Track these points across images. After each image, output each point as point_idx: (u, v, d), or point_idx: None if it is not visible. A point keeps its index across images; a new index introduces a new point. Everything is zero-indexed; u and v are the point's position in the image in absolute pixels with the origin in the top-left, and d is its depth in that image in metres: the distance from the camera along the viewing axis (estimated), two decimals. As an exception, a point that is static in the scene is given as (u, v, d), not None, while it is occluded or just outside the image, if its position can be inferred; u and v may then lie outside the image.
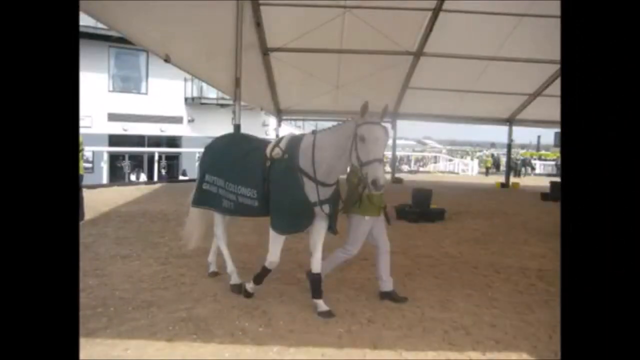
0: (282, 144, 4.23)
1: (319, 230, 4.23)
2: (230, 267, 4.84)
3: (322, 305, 4.18)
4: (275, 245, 4.23)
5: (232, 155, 4.52)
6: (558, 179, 17.75)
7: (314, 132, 4.21)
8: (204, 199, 4.73)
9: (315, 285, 4.25)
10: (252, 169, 4.29)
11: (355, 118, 3.82)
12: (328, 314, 4.09)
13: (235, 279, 4.74)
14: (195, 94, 23.65)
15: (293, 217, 4.10)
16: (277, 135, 15.13)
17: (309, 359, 3.30)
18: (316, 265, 4.25)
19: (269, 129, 24.46)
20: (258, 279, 4.44)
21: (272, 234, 4.20)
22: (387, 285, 4.56)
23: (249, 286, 4.47)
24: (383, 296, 4.55)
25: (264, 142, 4.57)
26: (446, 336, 3.76)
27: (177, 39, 8.31)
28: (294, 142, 4.20)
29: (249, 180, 4.28)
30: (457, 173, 31.40)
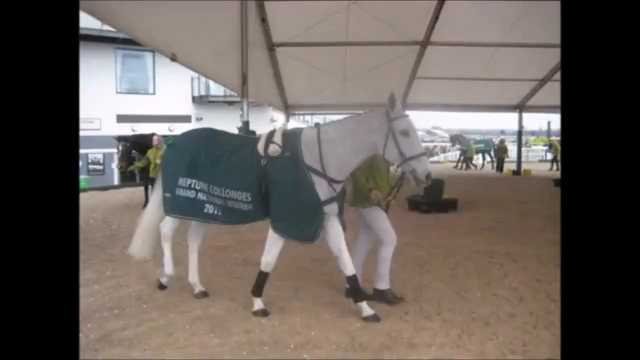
0: (277, 140, 3.83)
1: (336, 231, 3.90)
2: (192, 276, 4.47)
3: (366, 309, 3.85)
4: (273, 247, 3.89)
5: (211, 154, 4.02)
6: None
7: (317, 125, 3.96)
8: (180, 207, 4.16)
9: (356, 288, 3.91)
10: (243, 169, 3.87)
11: (380, 110, 3.66)
12: (375, 318, 3.79)
13: (199, 288, 4.43)
14: (202, 92, 23.64)
15: (301, 220, 3.75)
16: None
17: (325, 355, 3.27)
18: (349, 267, 3.89)
19: (277, 125, 24.44)
20: (258, 290, 3.99)
21: (272, 235, 3.88)
22: (383, 283, 4.23)
23: (257, 304, 3.98)
24: (376, 294, 4.21)
25: (248, 139, 4.21)
26: (465, 327, 3.71)
27: (182, 38, 8.32)
28: (292, 136, 3.85)
29: (241, 182, 3.86)
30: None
